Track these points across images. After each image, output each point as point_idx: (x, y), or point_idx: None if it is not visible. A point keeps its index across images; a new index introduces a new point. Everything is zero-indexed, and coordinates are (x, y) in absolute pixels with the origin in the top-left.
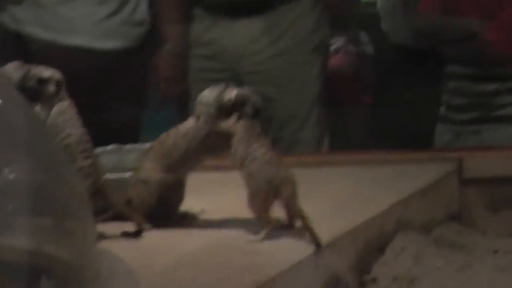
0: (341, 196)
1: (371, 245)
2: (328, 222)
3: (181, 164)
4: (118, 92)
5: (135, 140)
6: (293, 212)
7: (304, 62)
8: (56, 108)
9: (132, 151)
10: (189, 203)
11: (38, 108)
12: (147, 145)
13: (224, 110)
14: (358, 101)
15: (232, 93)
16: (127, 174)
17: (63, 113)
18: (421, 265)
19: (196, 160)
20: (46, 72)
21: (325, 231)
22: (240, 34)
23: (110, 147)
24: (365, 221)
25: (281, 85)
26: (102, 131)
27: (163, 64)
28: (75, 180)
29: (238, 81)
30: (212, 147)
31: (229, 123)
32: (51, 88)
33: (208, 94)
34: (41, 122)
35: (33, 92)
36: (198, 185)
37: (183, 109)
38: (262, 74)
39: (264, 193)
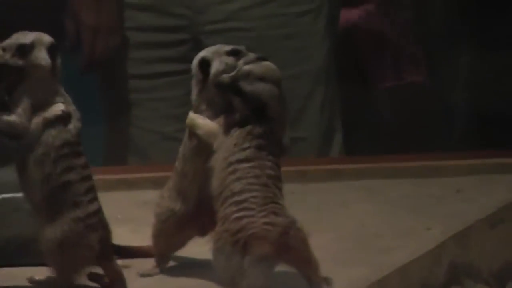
0: (361, 227)
1: None
2: (344, 267)
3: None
4: None
5: None
6: None
7: (302, 15)
8: (54, 130)
9: None
10: None
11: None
12: None
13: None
14: (399, 80)
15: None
16: None
17: (65, 131)
18: None
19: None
20: (27, 36)
21: (340, 280)
22: None
23: None
24: (400, 267)
25: (266, 51)
26: None
27: (87, 5)
28: None
29: (196, 45)
30: None
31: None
32: (42, 55)
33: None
34: None
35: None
36: None
37: (109, 83)
38: (236, 34)
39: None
